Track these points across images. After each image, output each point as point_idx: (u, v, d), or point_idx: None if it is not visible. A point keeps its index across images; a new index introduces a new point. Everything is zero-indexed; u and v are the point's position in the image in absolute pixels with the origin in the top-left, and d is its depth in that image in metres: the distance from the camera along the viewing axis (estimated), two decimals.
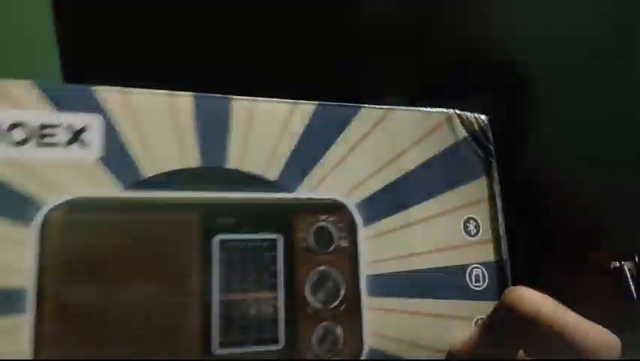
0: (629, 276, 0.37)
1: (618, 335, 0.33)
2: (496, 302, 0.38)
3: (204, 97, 0.34)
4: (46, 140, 0.31)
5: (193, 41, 0.54)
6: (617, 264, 0.38)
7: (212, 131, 0.34)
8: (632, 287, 0.37)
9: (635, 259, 0.38)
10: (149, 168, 0.32)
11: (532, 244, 0.51)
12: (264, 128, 0.35)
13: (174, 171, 0.33)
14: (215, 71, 0.49)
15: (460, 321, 0.37)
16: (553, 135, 0.44)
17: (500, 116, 0.41)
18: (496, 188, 0.39)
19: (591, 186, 0.44)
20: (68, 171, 0.31)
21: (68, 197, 0.31)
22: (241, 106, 0.35)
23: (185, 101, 0.34)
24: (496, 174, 0.40)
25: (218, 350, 0.32)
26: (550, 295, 0.32)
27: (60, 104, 0.32)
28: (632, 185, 0.42)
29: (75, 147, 0.31)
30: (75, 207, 0.31)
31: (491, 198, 0.39)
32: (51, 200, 0.31)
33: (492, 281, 0.38)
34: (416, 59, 0.54)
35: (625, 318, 0.35)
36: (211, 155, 0.33)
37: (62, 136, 0.31)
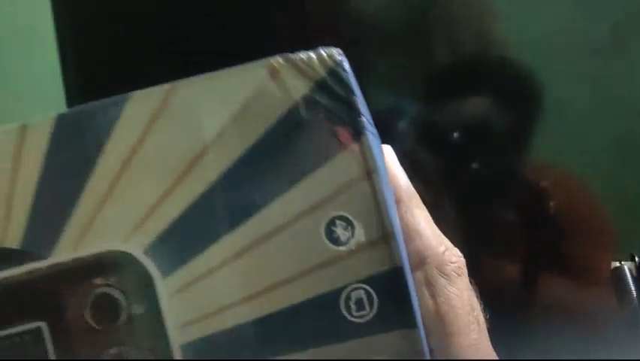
0: (629, 276, 0.36)
1: (618, 336, 0.33)
2: (396, 332, 0.26)
3: None
4: None
5: None
6: (617, 264, 0.37)
7: None
8: (632, 287, 0.36)
9: (635, 259, 0.37)
10: None
11: (532, 243, 0.52)
12: None
13: None
14: None
15: None
16: (552, 136, 0.45)
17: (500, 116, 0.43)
18: (375, 159, 0.25)
19: (591, 185, 0.44)
20: None
21: None
22: None
23: None
24: (371, 140, 0.25)
25: None
26: (550, 294, 0.34)
27: None
28: (633, 184, 0.42)
29: None
30: None
31: (368, 176, 0.25)
32: None
33: (385, 303, 0.25)
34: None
35: (625, 318, 0.35)
36: None
37: None
